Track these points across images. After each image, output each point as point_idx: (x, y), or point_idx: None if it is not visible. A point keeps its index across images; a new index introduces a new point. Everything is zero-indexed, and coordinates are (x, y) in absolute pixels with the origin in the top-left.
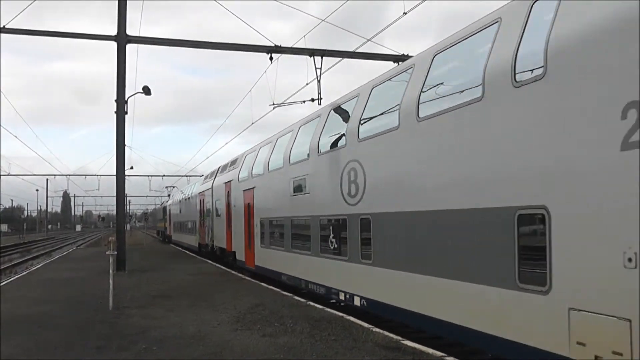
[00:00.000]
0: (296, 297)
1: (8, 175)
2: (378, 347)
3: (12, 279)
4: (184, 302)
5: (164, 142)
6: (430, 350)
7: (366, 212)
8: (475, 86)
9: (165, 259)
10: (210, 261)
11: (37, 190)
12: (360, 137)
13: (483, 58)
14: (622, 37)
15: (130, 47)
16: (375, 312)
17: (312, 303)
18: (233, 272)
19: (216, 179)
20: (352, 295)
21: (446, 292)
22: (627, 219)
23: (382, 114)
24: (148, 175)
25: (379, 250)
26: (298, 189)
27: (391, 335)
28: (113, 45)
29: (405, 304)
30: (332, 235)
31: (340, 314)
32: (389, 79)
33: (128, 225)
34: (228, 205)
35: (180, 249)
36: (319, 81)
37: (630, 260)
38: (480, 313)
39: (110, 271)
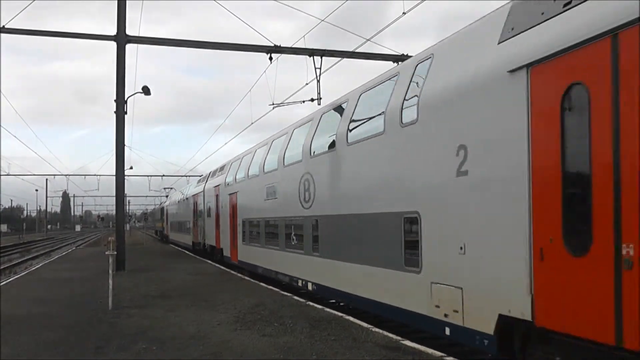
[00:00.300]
0: (296, 297)
1: (8, 175)
2: (378, 347)
3: (11, 279)
4: (183, 302)
5: (164, 142)
6: (430, 351)
7: (316, 215)
8: (380, 122)
9: (164, 258)
10: (209, 261)
11: (36, 190)
12: (311, 155)
13: (386, 102)
14: (456, 101)
15: (130, 47)
16: (322, 294)
17: (311, 303)
18: (233, 272)
19: (207, 183)
20: (306, 282)
21: (361, 275)
22: (460, 221)
23: (326, 136)
24: (148, 176)
25: (324, 244)
26: (270, 194)
27: (391, 335)
28: (113, 45)
29: (339, 286)
30: (293, 233)
31: (340, 314)
32: (333, 108)
33: (128, 226)
34: (217, 207)
35: (180, 248)
36: (318, 81)
37: (461, 248)
38: (382, 288)
39: (110, 271)
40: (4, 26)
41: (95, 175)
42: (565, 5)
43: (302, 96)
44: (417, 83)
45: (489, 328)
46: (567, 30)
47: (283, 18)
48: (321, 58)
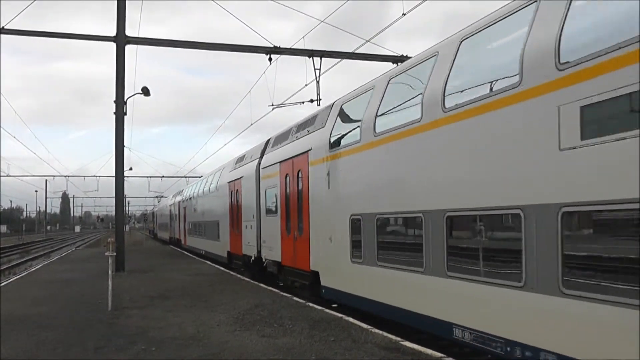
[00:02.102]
0: (295, 298)
1: (7, 176)
2: (377, 348)
3: (11, 279)
4: (183, 303)
5: (165, 143)
6: (429, 351)
7: (204, 220)
8: (216, 186)
9: (164, 259)
10: (209, 262)
11: (36, 191)
12: (204, 194)
13: (217, 177)
14: (222, 186)
15: (130, 48)
16: (209, 256)
17: (311, 304)
18: (232, 272)
19: (175, 198)
20: (204, 250)
21: (211, 244)
22: (224, 224)
23: (209, 185)
24: (147, 177)
25: (204, 232)
26: (196, 209)
27: (390, 336)
28: (114, 45)
29: (207, 248)
30: (202, 229)
31: (340, 315)
32: (210, 175)
33: (127, 226)
34: (178, 214)
35: (176, 248)
36: (318, 82)
37: (223, 233)
38: (213, 247)
39: (110, 272)
40: (3, 27)
41: (94, 176)
42: (237, 163)
43: (302, 97)
44: (219, 175)
45: (225, 255)
46: (242, 171)
47: (285, 18)
48: (320, 59)
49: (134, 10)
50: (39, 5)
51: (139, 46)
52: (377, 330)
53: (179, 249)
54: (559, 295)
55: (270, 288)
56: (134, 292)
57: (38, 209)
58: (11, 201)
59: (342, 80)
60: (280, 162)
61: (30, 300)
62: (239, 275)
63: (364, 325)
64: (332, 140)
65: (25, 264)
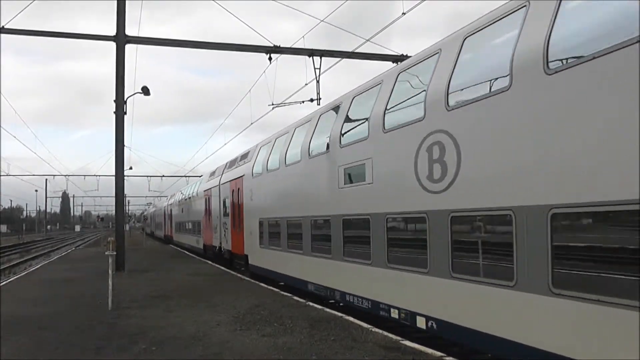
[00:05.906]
0: (295, 298)
1: (7, 175)
2: (377, 347)
3: (11, 279)
4: (183, 303)
5: (166, 143)
6: (429, 350)
7: (158, 222)
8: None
9: (164, 259)
10: (209, 262)
11: (36, 190)
12: (171, 207)
13: (186, 191)
14: (195, 198)
15: (132, 47)
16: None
17: (311, 303)
18: (232, 272)
19: (153, 207)
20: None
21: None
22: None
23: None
24: (147, 176)
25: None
26: (159, 214)
27: (390, 335)
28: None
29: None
30: (158, 223)
31: (340, 314)
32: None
33: (127, 226)
34: (153, 218)
35: (180, 249)
36: (318, 81)
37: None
38: (192, 241)
39: (110, 271)
40: (3, 26)
41: (95, 175)
42: (210, 175)
43: (302, 96)
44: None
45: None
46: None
47: (288, 18)
48: (320, 58)
49: (135, 10)
50: (42, 5)
51: (140, 46)
52: (377, 330)
53: (179, 249)
54: (310, 255)
55: (270, 288)
56: (134, 292)
57: (38, 209)
58: (11, 201)
59: (342, 80)
60: (229, 181)
61: (31, 300)
62: (239, 275)
63: (364, 325)
64: (254, 170)
65: (25, 263)
